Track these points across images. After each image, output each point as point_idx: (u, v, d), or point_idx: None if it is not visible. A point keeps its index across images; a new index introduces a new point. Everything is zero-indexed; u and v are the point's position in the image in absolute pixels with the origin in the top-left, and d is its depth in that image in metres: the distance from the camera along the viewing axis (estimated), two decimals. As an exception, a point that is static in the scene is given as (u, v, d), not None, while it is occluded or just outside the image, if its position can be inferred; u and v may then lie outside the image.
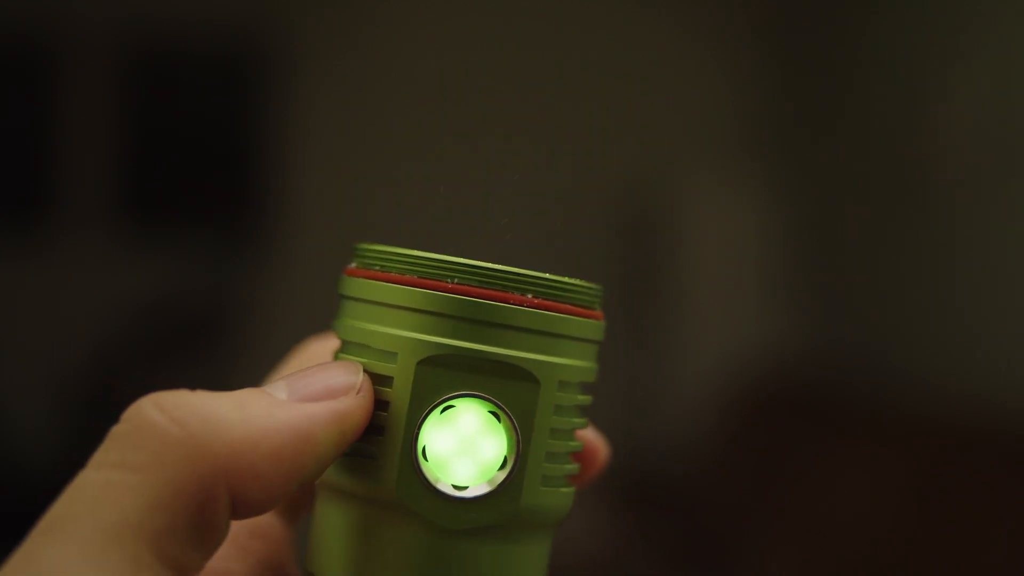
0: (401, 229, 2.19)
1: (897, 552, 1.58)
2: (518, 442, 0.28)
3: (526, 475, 0.29)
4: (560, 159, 2.37)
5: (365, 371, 0.28)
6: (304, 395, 0.27)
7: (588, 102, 2.39)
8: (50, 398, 2.24)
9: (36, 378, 2.25)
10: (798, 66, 2.40)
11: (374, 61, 2.34)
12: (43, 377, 2.25)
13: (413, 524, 0.28)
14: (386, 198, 2.29)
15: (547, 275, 0.29)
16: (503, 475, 0.28)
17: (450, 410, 0.29)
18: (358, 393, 0.28)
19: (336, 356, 0.30)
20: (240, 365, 2.22)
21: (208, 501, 0.24)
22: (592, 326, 0.30)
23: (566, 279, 0.29)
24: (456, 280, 0.28)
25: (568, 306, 0.29)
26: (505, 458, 0.29)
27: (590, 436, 0.33)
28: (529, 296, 0.29)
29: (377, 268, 0.29)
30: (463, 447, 0.28)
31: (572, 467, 0.30)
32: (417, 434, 0.28)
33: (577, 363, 0.30)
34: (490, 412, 0.29)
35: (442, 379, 0.28)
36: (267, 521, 0.32)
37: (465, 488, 0.28)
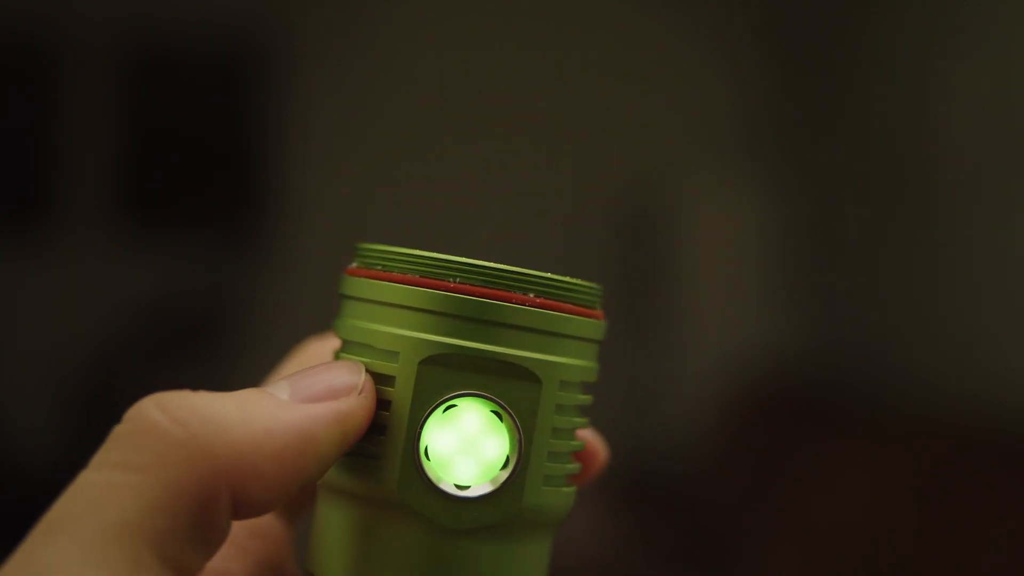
0: (401, 229, 2.19)
1: (897, 552, 1.58)
2: (520, 442, 0.28)
3: (528, 475, 0.29)
4: (560, 159, 2.37)
5: (367, 371, 0.28)
6: (306, 395, 0.27)
7: (588, 102, 2.39)
8: (50, 398, 2.24)
9: (36, 378, 2.25)
10: (798, 66, 2.41)
11: (374, 61, 2.34)
12: (43, 377, 2.25)
13: (415, 524, 0.28)
14: (386, 198, 2.29)
15: (549, 274, 0.29)
16: (505, 475, 0.28)
17: (452, 409, 0.28)
18: (360, 393, 0.28)
19: (337, 356, 0.30)
20: (240, 365, 2.22)
21: (209, 502, 0.24)
22: (593, 326, 0.30)
23: (568, 279, 0.29)
24: (458, 279, 0.28)
25: (570, 306, 0.29)
26: (507, 458, 0.29)
27: (589, 437, 0.33)
28: (531, 295, 0.29)
29: (379, 268, 0.29)
30: (465, 447, 0.28)
31: (573, 467, 0.30)
32: (419, 434, 0.28)
33: (578, 363, 0.30)
34: (492, 412, 0.29)
35: (444, 378, 0.28)
36: (267, 521, 0.32)
37: (467, 488, 0.28)
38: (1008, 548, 1.46)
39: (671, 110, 2.44)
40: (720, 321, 2.27)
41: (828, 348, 2.21)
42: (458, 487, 0.28)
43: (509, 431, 0.29)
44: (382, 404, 0.28)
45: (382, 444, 0.28)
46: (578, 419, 0.30)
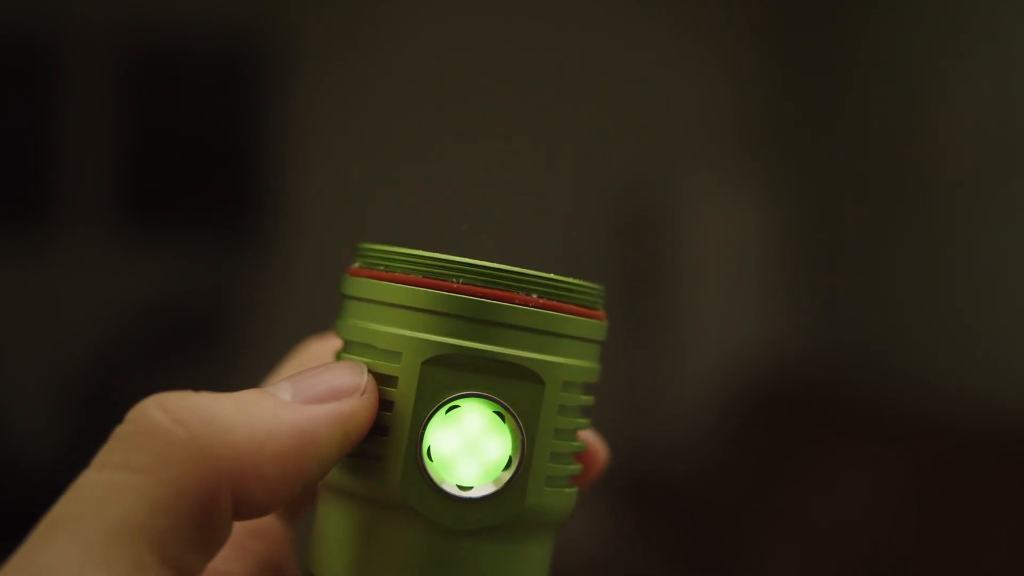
0: (401, 228, 2.18)
1: (897, 552, 1.58)
2: (523, 442, 0.28)
3: (531, 475, 0.29)
4: (560, 159, 2.37)
5: (369, 371, 0.28)
6: (308, 396, 0.27)
7: (588, 102, 2.39)
8: (50, 398, 2.24)
9: (36, 378, 2.25)
10: (798, 66, 2.40)
11: (374, 61, 2.34)
12: (43, 377, 2.25)
13: (417, 524, 0.28)
14: (386, 198, 2.29)
15: (552, 275, 0.29)
16: (508, 475, 0.28)
17: (455, 410, 0.28)
18: (362, 394, 0.28)
19: (339, 356, 0.30)
20: (240, 365, 2.21)
21: (211, 503, 0.24)
22: (596, 326, 0.30)
23: (570, 279, 0.29)
24: (461, 280, 0.28)
25: (572, 306, 0.29)
26: (510, 458, 0.29)
27: (590, 438, 0.33)
28: (534, 296, 0.29)
29: (381, 268, 0.29)
30: (468, 447, 0.28)
31: (575, 467, 0.30)
32: (422, 434, 0.28)
33: (581, 363, 0.30)
34: (495, 412, 0.29)
35: (447, 379, 0.28)
36: (267, 521, 0.32)
37: (470, 488, 0.28)
38: (1008, 548, 1.46)
39: (671, 110, 2.44)
40: (720, 321, 2.27)
41: (828, 348, 2.21)
42: (460, 488, 0.28)
43: (511, 432, 0.28)
44: (384, 405, 0.28)
45: (384, 445, 0.28)
46: (580, 420, 0.30)
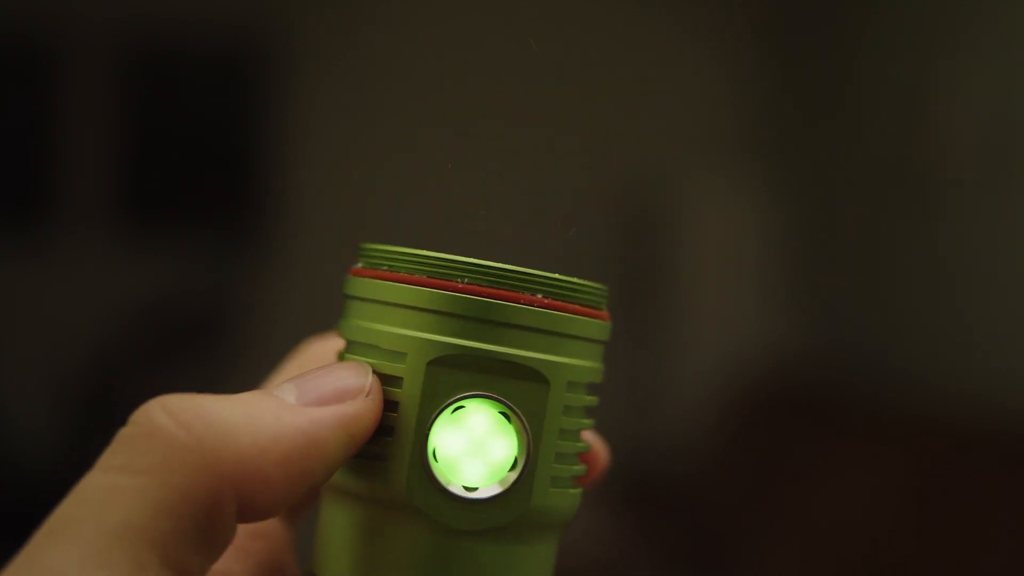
0: (401, 228, 2.18)
1: (897, 552, 1.58)
2: (528, 443, 0.28)
3: (536, 476, 0.28)
4: (560, 159, 2.37)
5: (374, 372, 0.28)
6: (313, 398, 0.27)
7: (588, 102, 2.39)
8: (50, 398, 2.24)
9: (36, 378, 2.25)
10: (798, 66, 2.40)
11: (374, 61, 2.34)
12: (43, 377, 2.25)
13: (422, 525, 0.28)
14: (386, 198, 2.29)
15: (557, 275, 0.29)
16: (513, 476, 0.28)
17: (460, 411, 0.28)
18: (367, 396, 0.28)
19: (342, 356, 0.30)
20: (240, 365, 2.21)
21: (215, 506, 0.24)
22: (600, 327, 0.30)
23: (575, 279, 0.29)
24: (466, 280, 0.28)
25: (577, 306, 0.29)
26: (515, 459, 0.28)
27: (591, 438, 0.33)
28: (539, 296, 0.29)
29: (385, 268, 0.29)
30: (473, 448, 0.28)
31: (580, 468, 0.30)
32: (427, 435, 0.28)
33: (585, 363, 0.30)
34: (500, 413, 0.28)
35: (452, 379, 0.28)
36: (268, 522, 0.32)
37: (475, 489, 0.28)
38: (1008, 548, 1.46)
39: (671, 110, 2.44)
40: (720, 321, 2.27)
41: (828, 348, 2.21)
42: (466, 489, 0.28)
43: (517, 432, 0.28)
44: (389, 405, 0.28)
45: (389, 446, 0.28)
46: (585, 420, 0.30)
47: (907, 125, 2.03)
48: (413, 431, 0.28)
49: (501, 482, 0.28)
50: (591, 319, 0.30)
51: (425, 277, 0.28)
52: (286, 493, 0.25)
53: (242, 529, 0.31)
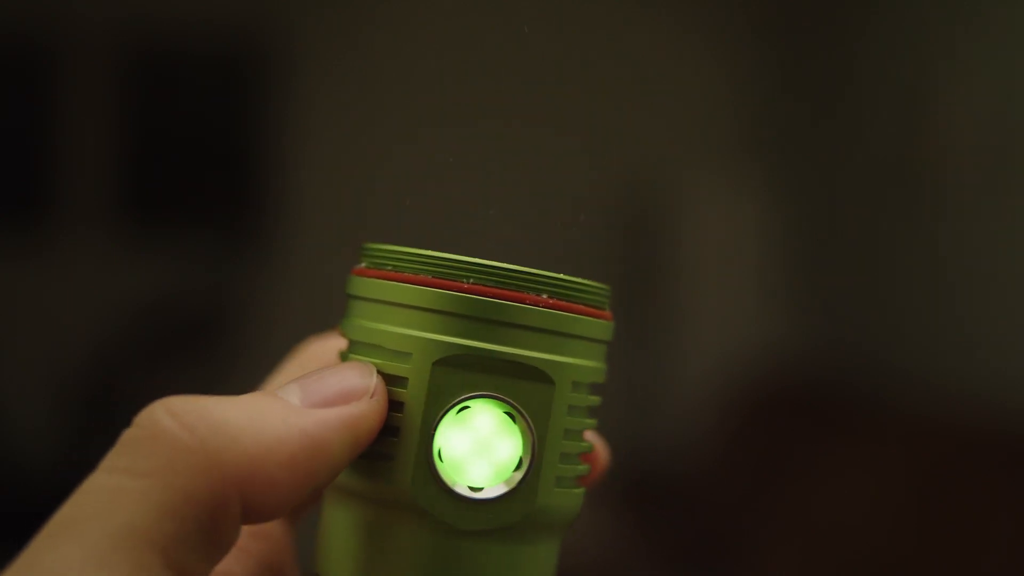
0: (401, 228, 2.18)
1: (897, 552, 1.58)
2: (533, 443, 0.28)
3: (541, 476, 0.28)
4: (560, 159, 2.37)
5: (378, 372, 0.28)
6: (317, 400, 0.27)
7: (588, 102, 2.39)
8: (50, 398, 2.24)
9: (36, 378, 2.25)
10: (798, 66, 2.40)
11: (374, 61, 2.34)
12: (43, 377, 2.25)
13: (427, 525, 0.28)
14: (386, 198, 2.29)
15: (562, 275, 0.29)
16: (519, 476, 0.28)
17: (465, 411, 0.28)
18: (372, 397, 0.27)
19: (346, 357, 0.30)
20: (240, 365, 2.21)
21: (219, 509, 0.24)
22: (604, 327, 0.30)
23: (580, 279, 0.29)
24: (472, 280, 0.28)
25: (581, 306, 0.29)
26: (520, 459, 0.28)
27: (592, 438, 0.33)
28: (544, 296, 0.29)
29: (389, 268, 0.29)
30: (478, 448, 0.28)
31: (583, 468, 0.30)
32: (433, 435, 0.28)
33: (589, 364, 0.30)
34: (505, 413, 0.28)
35: (458, 380, 0.28)
36: (268, 522, 0.32)
37: (480, 489, 0.28)
38: (1008, 548, 1.46)
39: (671, 110, 2.44)
40: (720, 321, 2.27)
41: (828, 348, 2.21)
42: (471, 489, 0.28)
43: (522, 432, 0.28)
44: (394, 405, 0.28)
45: (395, 446, 0.28)
46: (588, 420, 0.30)
47: (907, 125, 2.03)
48: (418, 431, 0.28)
49: (507, 482, 0.28)
50: (595, 319, 0.30)
51: (431, 277, 0.28)
52: (290, 495, 0.25)
53: (243, 529, 0.31)
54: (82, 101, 2.29)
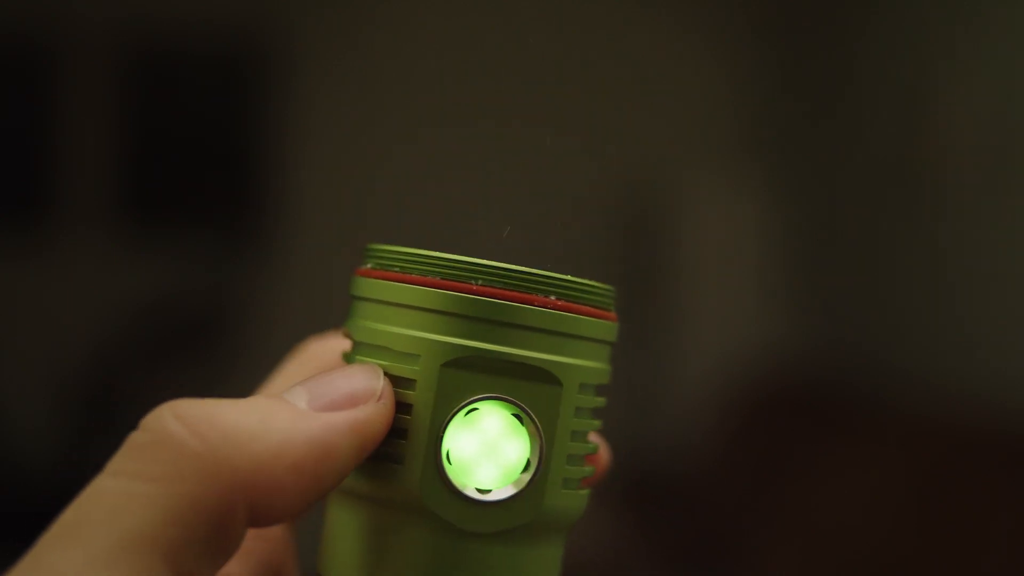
0: (401, 229, 2.19)
1: (897, 552, 1.58)
2: (542, 445, 0.28)
3: (548, 478, 0.29)
4: (560, 159, 2.37)
5: (385, 374, 0.28)
6: (324, 403, 0.27)
7: (588, 103, 2.39)
8: (50, 398, 2.24)
9: (36, 378, 2.25)
10: (798, 66, 2.40)
11: (374, 61, 2.34)
12: (43, 377, 2.25)
13: (433, 527, 0.28)
14: (386, 198, 2.29)
15: (569, 277, 0.29)
16: (527, 478, 0.28)
17: (473, 413, 0.28)
18: (379, 400, 0.27)
19: (351, 358, 0.30)
20: (240, 365, 2.22)
21: (225, 515, 0.24)
22: (609, 328, 0.30)
23: (586, 281, 0.29)
24: (480, 282, 0.28)
25: (588, 308, 0.29)
26: (528, 461, 0.28)
27: (594, 439, 0.33)
28: (552, 298, 0.28)
29: (396, 269, 0.29)
30: (486, 450, 0.28)
31: (588, 469, 0.30)
32: (442, 437, 0.28)
33: (595, 365, 0.30)
34: (513, 415, 0.28)
35: (466, 381, 0.28)
36: (272, 524, 0.32)
37: (488, 491, 0.28)
38: (1008, 548, 1.46)
39: (671, 110, 2.44)
40: (720, 321, 2.27)
41: (828, 348, 2.21)
42: (479, 491, 0.28)
43: (530, 434, 0.28)
44: (402, 407, 0.28)
45: (403, 448, 0.28)
46: (594, 422, 0.30)
47: (907, 125, 2.03)
48: (427, 433, 0.28)
49: (515, 484, 0.28)
50: (602, 320, 0.30)
51: (439, 279, 0.28)
52: (297, 500, 0.25)
53: (243, 530, 0.31)
54: (82, 101, 2.29)
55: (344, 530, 0.30)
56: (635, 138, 2.41)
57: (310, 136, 2.34)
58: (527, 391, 0.28)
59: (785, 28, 2.43)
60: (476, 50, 2.34)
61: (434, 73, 2.33)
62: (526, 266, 0.29)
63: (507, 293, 0.28)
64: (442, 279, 0.28)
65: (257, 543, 0.31)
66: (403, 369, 0.28)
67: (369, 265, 0.30)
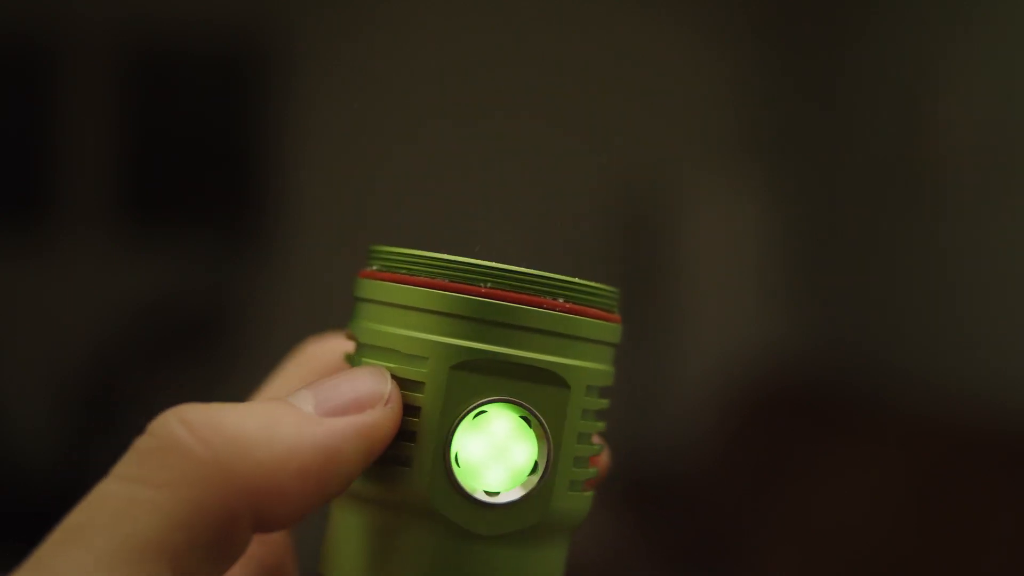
0: (401, 229, 2.19)
1: (897, 552, 1.58)
2: (549, 447, 0.28)
3: (556, 480, 0.29)
4: (560, 159, 2.37)
5: (392, 377, 0.28)
6: (331, 407, 0.26)
7: (588, 102, 2.39)
8: (50, 398, 2.24)
9: (36, 378, 2.25)
10: (798, 66, 2.40)
11: (374, 61, 2.34)
12: (43, 377, 2.25)
13: (442, 529, 0.28)
14: (386, 198, 2.29)
15: (576, 279, 0.29)
16: (535, 480, 0.28)
17: (481, 415, 0.28)
18: (386, 404, 0.27)
19: (356, 360, 0.30)
20: (240, 365, 2.21)
21: (230, 521, 0.24)
22: (614, 329, 0.30)
23: (592, 283, 0.29)
24: (489, 284, 0.28)
25: (594, 310, 0.29)
26: (535, 463, 0.28)
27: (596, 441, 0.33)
28: (560, 300, 0.29)
29: (403, 271, 0.29)
30: (495, 453, 0.28)
31: (593, 471, 0.30)
32: (451, 440, 0.28)
33: (601, 367, 0.30)
34: (520, 417, 0.28)
35: (474, 384, 0.28)
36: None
37: (496, 494, 0.28)
38: (1008, 548, 1.46)
39: (671, 110, 2.44)
40: (720, 321, 2.27)
41: (828, 348, 2.21)
42: (487, 493, 0.28)
43: (538, 437, 0.28)
44: (409, 410, 0.28)
45: (411, 451, 0.28)
46: (599, 423, 0.30)
47: (907, 125, 2.03)
48: (436, 436, 0.28)
49: (523, 485, 0.28)
50: (607, 322, 0.30)
51: (447, 281, 0.28)
52: (302, 506, 0.25)
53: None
54: (82, 101, 2.29)
55: (348, 532, 0.30)
56: (635, 138, 2.41)
57: (310, 136, 2.34)
58: (535, 393, 0.28)
59: (785, 28, 2.43)
60: (476, 50, 2.34)
61: (434, 73, 2.33)
62: (525, 267, 0.29)
63: (516, 296, 0.28)
64: (450, 281, 0.28)
65: (256, 545, 0.31)
66: (411, 372, 0.28)
67: (374, 267, 0.30)
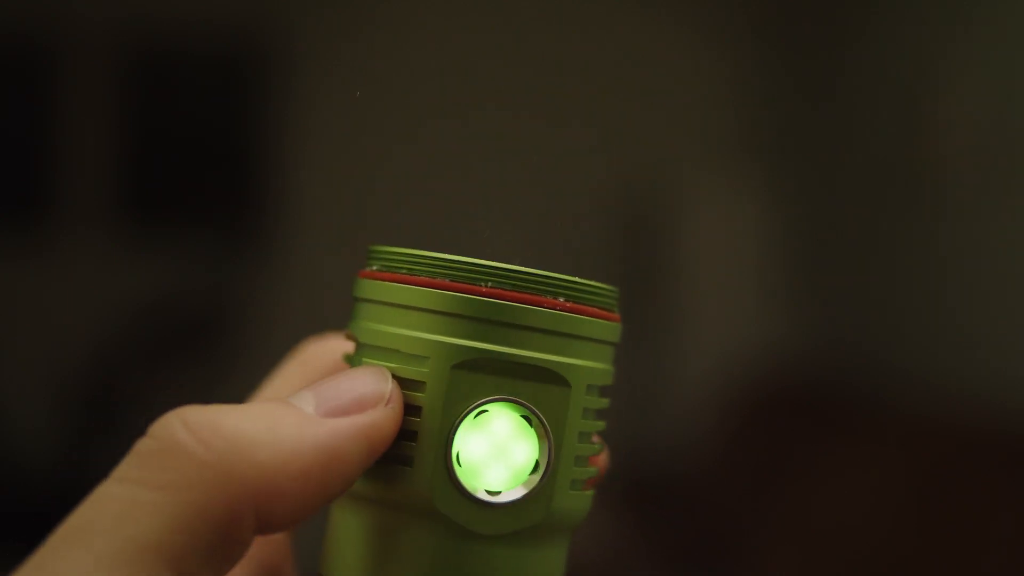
0: (401, 229, 2.19)
1: (897, 552, 1.58)
2: (551, 446, 0.28)
3: (557, 479, 0.29)
4: (560, 159, 2.37)
5: (393, 377, 0.28)
6: (332, 408, 0.26)
7: (588, 103, 2.39)
8: (50, 398, 2.24)
9: (36, 378, 2.25)
10: (798, 67, 2.40)
11: (374, 61, 2.34)
12: (43, 377, 2.25)
13: (443, 529, 0.28)
14: (386, 198, 2.29)
15: (577, 278, 0.29)
16: (536, 479, 0.28)
17: (482, 415, 0.28)
18: (387, 404, 0.27)
19: (356, 360, 0.30)
20: (240, 365, 2.21)
21: (232, 523, 0.24)
22: (615, 329, 0.30)
23: (593, 282, 0.29)
24: (490, 284, 0.28)
25: (595, 309, 0.29)
26: (536, 462, 0.29)
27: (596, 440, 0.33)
28: (561, 300, 0.29)
29: (404, 271, 0.29)
30: (496, 452, 0.28)
31: (593, 470, 0.30)
32: (452, 440, 0.28)
33: (602, 366, 0.30)
34: (522, 416, 0.28)
35: (476, 384, 0.28)
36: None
37: (498, 493, 0.28)
38: (1008, 548, 1.46)
39: (671, 110, 2.44)
40: (720, 321, 2.27)
41: (828, 348, 2.21)
42: (489, 493, 0.28)
43: (539, 436, 0.28)
44: (410, 410, 0.28)
45: (413, 451, 0.28)
46: (599, 423, 0.30)
47: (907, 125, 2.03)
48: (437, 436, 0.28)
49: (525, 485, 0.28)
50: (608, 322, 0.30)
51: (449, 281, 0.28)
52: (304, 507, 0.25)
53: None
54: (82, 101, 2.29)
55: (349, 532, 0.29)
56: (635, 138, 2.41)
57: (310, 136, 2.34)
58: (536, 393, 0.28)
59: (785, 28, 2.43)
60: (476, 50, 2.34)
61: (434, 73, 2.33)
62: (526, 266, 0.29)
63: (517, 295, 0.28)
64: (451, 281, 0.28)
65: (257, 546, 0.31)
66: (412, 371, 0.28)
67: (374, 267, 0.30)
